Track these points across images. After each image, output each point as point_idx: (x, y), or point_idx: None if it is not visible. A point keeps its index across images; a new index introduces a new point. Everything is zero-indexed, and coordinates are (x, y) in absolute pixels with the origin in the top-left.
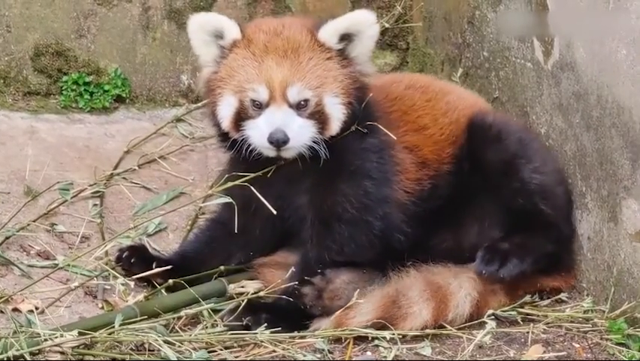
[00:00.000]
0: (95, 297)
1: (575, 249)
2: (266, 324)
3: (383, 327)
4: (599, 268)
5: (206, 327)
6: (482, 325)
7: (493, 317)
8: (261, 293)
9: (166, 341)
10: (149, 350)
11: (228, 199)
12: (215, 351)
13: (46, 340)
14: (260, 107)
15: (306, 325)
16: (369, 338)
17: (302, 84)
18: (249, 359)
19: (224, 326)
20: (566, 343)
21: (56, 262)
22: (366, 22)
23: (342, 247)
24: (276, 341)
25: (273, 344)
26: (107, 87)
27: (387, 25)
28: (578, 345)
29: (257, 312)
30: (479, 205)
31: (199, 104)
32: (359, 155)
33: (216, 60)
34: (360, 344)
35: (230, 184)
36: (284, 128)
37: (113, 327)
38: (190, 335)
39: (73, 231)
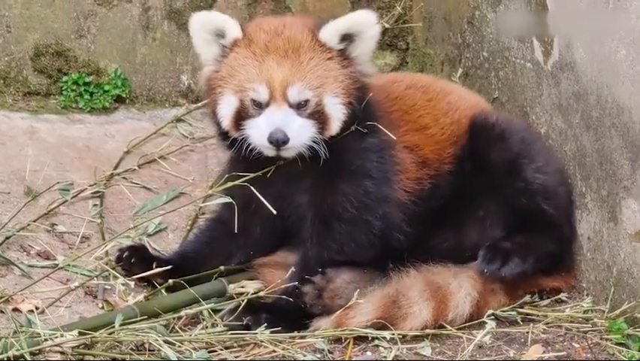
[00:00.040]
0: (95, 297)
1: (575, 249)
2: (266, 324)
3: (383, 327)
4: (599, 268)
5: (206, 327)
6: (482, 325)
7: (492, 317)
8: (261, 293)
9: (166, 341)
10: (149, 350)
11: (228, 199)
12: (216, 351)
13: (46, 340)
14: (260, 106)
15: (306, 325)
16: (369, 338)
17: (302, 84)
18: (249, 359)
19: (225, 326)
20: (565, 343)
21: (56, 262)
22: (367, 23)
23: (342, 247)
24: (276, 341)
25: (273, 344)
26: (107, 87)
27: (387, 26)
28: (577, 345)
29: (257, 312)
30: (481, 205)
31: (199, 105)
32: (359, 154)
33: (217, 59)
34: (360, 344)
35: (230, 184)
36: (284, 128)
37: (113, 327)
38: (190, 335)
39: (73, 231)
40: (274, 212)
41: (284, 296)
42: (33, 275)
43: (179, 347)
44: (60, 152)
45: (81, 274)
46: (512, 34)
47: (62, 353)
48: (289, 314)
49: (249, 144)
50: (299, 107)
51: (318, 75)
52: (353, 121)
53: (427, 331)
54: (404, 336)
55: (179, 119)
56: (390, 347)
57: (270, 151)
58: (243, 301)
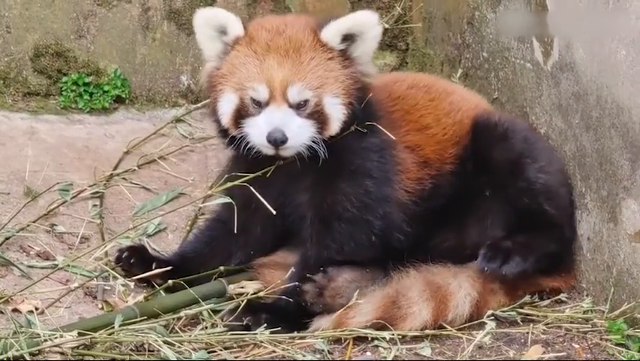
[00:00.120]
0: (95, 297)
1: (575, 249)
2: (266, 324)
3: (383, 327)
4: (599, 269)
5: (206, 327)
6: (482, 325)
7: (492, 317)
8: (261, 294)
9: (166, 342)
10: (148, 351)
11: (228, 200)
12: (215, 352)
13: (45, 340)
14: (260, 105)
15: (306, 325)
16: (369, 339)
17: (302, 84)
18: (248, 359)
19: (224, 326)
20: (565, 343)
21: (56, 262)
22: (369, 23)
23: (342, 246)
24: (275, 341)
25: (273, 344)
26: (106, 88)
27: (386, 26)
28: (577, 346)
29: (257, 312)
30: (482, 205)
31: (199, 105)
32: (360, 154)
33: (219, 56)
34: (359, 345)
35: (229, 184)
36: (282, 128)
37: (113, 328)
38: (190, 336)
39: (73, 231)
40: (274, 212)
41: (284, 297)
42: (33, 276)
43: (179, 347)
44: (60, 152)
45: (81, 274)
46: (512, 35)
47: (62, 353)
48: (289, 315)
49: (248, 143)
50: (298, 107)
51: (318, 75)
52: (353, 121)
53: (427, 331)
54: (404, 336)
55: (178, 120)
56: (389, 348)
57: (268, 150)
58: (242, 301)
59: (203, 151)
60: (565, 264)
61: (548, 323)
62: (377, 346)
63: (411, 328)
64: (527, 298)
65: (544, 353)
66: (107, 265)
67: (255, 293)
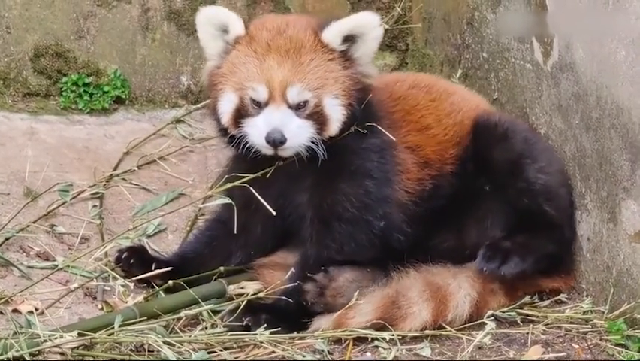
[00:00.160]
0: (95, 298)
1: (575, 250)
2: (265, 325)
3: (383, 328)
4: (599, 269)
5: (206, 328)
6: (482, 326)
7: (492, 317)
8: (261, 294)
9: (165, 342)
10: (148, 351)
11: (228, 200)
12: (215, 352)
13: (45, 341)
14: (259, 105)
15: (306, 325)
16: (369, 339)
17: (302, 85)
18: (248, 359)
19: (224, 326)
20: (565, 344)
21: (56, 263)
22: (370, 24)
23: (342, 246)
24: (275, 341)
25: (273, 344)
26: (106, 88)
27: (386, 26)
28: (577, 346)
29: (256, 313)
30: (482, 205)
31: (199, 106)
32: (360, 154)
33: (220, 55)
34: (359, 345)
35: (229, 185)
36: (281, 129)
37: (113, 328)
38: (190, 336)
39: (72, 232)
40: (273, 213)
41: (284, 297)
42: (32, 276)
43: (179, 348)
44: (60, 153)
45: (80, 275)
46: (512, 35)
47: (62, 354)
48: (289, 315)
49: (247, 142)
50: (298, 107)
51: (318, 76)
52: (353, 122)
53: (427, 332)
54: (403, 337)
55: (178, 120)
56: (389, 348)
57: (267, 150)
58: (242, 302)
59: (203, 152)
60: (565, 264)
61: (548, 324)
62: (377, 346)
63: (411, 328)
64: (527, 298)
65: (544, 353)
66: (106, 265)
67: (254, 294)
